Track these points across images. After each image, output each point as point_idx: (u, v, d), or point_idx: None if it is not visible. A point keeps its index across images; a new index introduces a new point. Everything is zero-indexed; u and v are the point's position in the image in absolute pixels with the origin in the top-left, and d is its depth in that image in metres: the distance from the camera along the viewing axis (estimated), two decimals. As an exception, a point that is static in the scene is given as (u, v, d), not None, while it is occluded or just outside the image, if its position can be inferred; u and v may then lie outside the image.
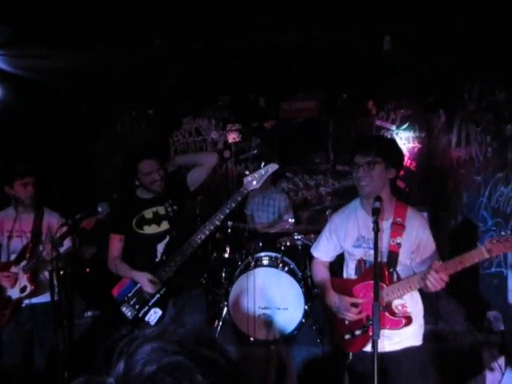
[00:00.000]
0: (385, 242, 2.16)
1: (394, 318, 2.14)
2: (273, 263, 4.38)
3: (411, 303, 2.24)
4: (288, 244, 4.69)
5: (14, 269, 3.04)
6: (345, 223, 2.35)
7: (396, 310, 2.17)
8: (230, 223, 4.78)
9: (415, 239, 2.17)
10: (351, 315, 2.20)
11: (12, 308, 3.04)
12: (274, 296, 4.20)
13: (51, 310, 2.66)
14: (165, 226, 2.85)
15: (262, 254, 4.49)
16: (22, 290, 3.05)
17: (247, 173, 2.74)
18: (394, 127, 6.31)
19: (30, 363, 3.08)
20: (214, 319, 4.31)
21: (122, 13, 3.21)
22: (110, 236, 2.91)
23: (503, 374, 3.47)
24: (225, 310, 4.31)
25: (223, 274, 4.75)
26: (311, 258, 2.60)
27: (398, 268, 2.18)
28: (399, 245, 2.14)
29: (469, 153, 4.82)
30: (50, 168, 3.27)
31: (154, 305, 2.77)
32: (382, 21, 3.39)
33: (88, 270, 4.79)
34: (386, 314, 2.13)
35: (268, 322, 4.17)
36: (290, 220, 4.85)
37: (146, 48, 3.92)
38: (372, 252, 2.12)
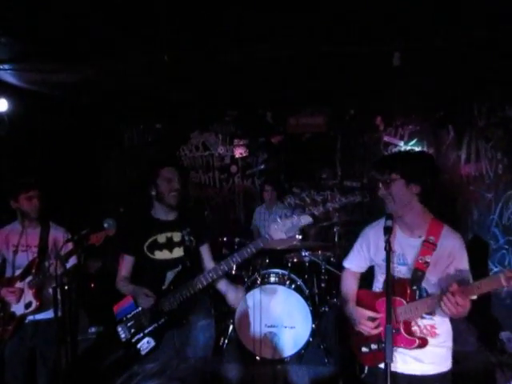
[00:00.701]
0: (413, 259, 2.11)
1: (408, 337, 2.07)
2: (280, 280, 4.32)
3: (441, 324, 2.15)
4: (295, 260, 4.63)
5: (19, 284, 3.00)
6: (376, 237, 2.29)
7: (416, 328, 2.11)
8: (236, 239, 4.74)
9: (447, 259, 2.08)
10: (366, 329, 2.16)
11: (15, 324, 2.99)
12: (280, 314, 4.12)
13: (55, 326, 2.61)
14: (177, 253, 2.69)
15: (269, 270, 4.43)
16: (27, 305, 3.00)
17: (278, 220, 2.50)
18: (402, 143, 6.27)
19: (33, 380, 3.03)
20: (219, 337, 4.23)
21: (130, 28, 3.23)
22: (120, 255, 2.79)
23: (517, 397, 3.37)
24: (230, 327, 4.24)
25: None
26: (342, 268, 2.54)
27: (425, 286, 2.11)
28: (427, 264, 2.07)
29: (479, 169, 4.76)
30: (56, 181, 3.24)
31: (150, 334, 2.57)
32: (392, 36, 3.38)
33: (93, 285, 4.74)
34: (403, 332, 2.07)
35: (274, 341, 4.09)
36: (297, 236, 4.79)
37: (155, 63, 3.93)
38: (400, 268, 2.12)
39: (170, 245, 2.69)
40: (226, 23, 3.14)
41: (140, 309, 2.62)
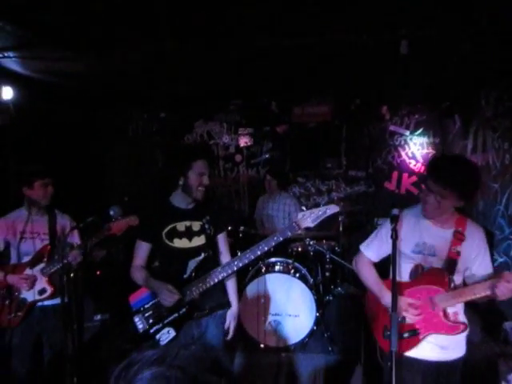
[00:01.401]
0: (446, 249, 2.21)
1: (452, 324, 2.17)
2: (284, 269, 4.33)
3: (462, 312, 2.28)
4: (300, 250, 4.64)
5: (28, 271, 3.02)
6: (405, 227, 2.32)
7: (452, 317, 2.21)
8: (241, 228, 4.75)
9: (475, 250, 2.21)
10: (410, 316, 2.20)
11: (26, 310, 3.01)
12: (285, 302, 4.14)
13: (61, 313, 2.63)
14: (196, 242, 2.63)
15: (274, 259, 4.45)
16: (41, 292, 3.01)
17: (304, 209, 2.50)
18: (407, 132, 6.24)
19: (40, 365, 3.06)
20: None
21: (135, 17, 3.20)
22: (137, 242, 2.70)
23: (520, 387, 3.38)
24: (235, 315, 4.26)
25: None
26: (359, 253, 2.51)
27: (454, 276, 2.22)
28: (458, 253, 2.18)
29: (485, 159, 4.73)
30: (60, 170, 3.24)
31: (169, 324, 2.55)
32: (399, 25, 3.34)
33: (98, 273, 4.77)
34: (443, 319, 2.17)
35: (278, 330, 4.12)
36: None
37: (159, 51, 3.91)
38: (431, 259, 2.22)
39: (189, 234, 2.63)
40: (231, 12, 3.11)
41: (159, 298, 2.54)
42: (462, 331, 2.17)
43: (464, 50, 3.76)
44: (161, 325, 2.54)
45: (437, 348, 2.24)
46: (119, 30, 3.44)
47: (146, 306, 2.60)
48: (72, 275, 2.89)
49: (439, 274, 2.18)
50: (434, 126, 6.18)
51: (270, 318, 4.14)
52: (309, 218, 2.47)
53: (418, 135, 6.21)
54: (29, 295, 3.01)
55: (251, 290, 4.14)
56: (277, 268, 4.35)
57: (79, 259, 2.91)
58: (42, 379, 3.06)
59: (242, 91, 6.15)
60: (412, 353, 2.24)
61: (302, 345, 4.11)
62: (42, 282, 3.00)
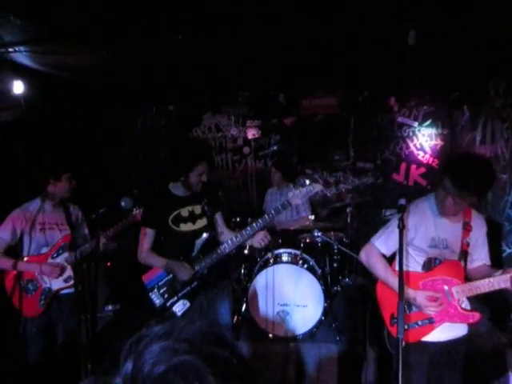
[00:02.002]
0: (457, 241, 2.28)
1: (466, 313, 2.25)
2: (292, 260, 4.36)
3: (466, 300, 2.34)
4: (308, 241, 4.66)
5: (50, 261, 3.09)
6: (419, 222, 2.34)
7: (465, 306, 2.30)
8: (249, 220, 4.78)
9: (478, 237, 2.32)
10: (434, 309, 2.26)
11: (50, 299, 3.08)
12: (293, 293, 4.18)
13: (75, 301, 2.69)
14: (200, 223, 2.95)
15: (282, 250, 4.48)
16: (66, 280, 3.09)
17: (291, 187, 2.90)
18: (416, 124, 6.21)
19: (55, 354, 3.12)
20: (232, 315, 4.31)
21: (143, 10, 3.23)
22: (142, 229, 2.95)
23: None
24: (244, 306, 4.31)
25: (242, 270, 4.76)
26: (368, 246, 2.52)
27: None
28: (468, 244, 2.27)
29: (494, 150, 4.72)
30: (71, 163, 3.29)
31: (184, 297, 2.89)
32: (407, 16, 3.33)
33: (109, 264, 4.84)
34: (459, 309, 2.24)
35: (286, 320, 4.17)
36: (309, 217, 4.82)
37: (168, 44, 3.93)
38: (444, 251, 2.28)
39: (192, 217, 2.94)
40: (240, 4, 3.13)
41: (172, 275, 2.89)
42: (478, 320, 2.24)
43: (472, 41, 3.74)
44: (176, 298, 2.89)
45: (444, 329, 2.31)
46: (128, 23, 3.47)
47: (160, 284, 2.92)
48: (85, 265, 2.96)
49: (456, 265, 2.25)
50: (442, 118, 6.14)
51: (279, 309, 4.19)
52: (298, 196, 2.85)
53: (426, 126, 6.18)
54: (54, 284, 3.09)
55: (259, 280, 4.18)
56: (285, 259, 4.38)
57: (113, 246, 3.07)
58: (56, 367, 3.13)
59: (249, 83, 6.16)
60: (428, 337, 2.31)
61: (310, 335, 4.15)
62: (68, 271, 3.08)
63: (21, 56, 4.18)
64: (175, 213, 2.90)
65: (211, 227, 2.99)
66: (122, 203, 2.92)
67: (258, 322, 4.16)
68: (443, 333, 2.32)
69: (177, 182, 2.90)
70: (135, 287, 4.90)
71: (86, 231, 3.34)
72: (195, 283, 2.89)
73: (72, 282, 3.05)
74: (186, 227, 2.92)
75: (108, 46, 3.99)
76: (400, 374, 1.73)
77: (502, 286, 2.13)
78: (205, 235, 2.91)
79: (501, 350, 3.63)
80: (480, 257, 2.37)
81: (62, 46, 3.97)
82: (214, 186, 3.19)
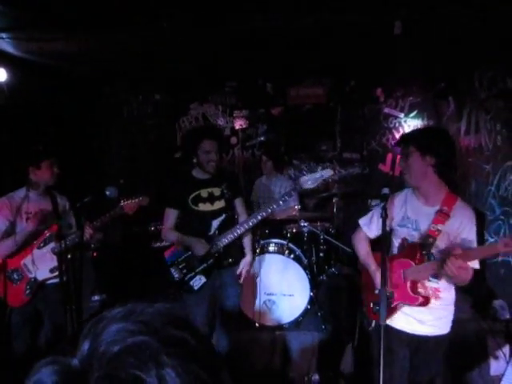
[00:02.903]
0: (426, 225, 2.28)
1: (412, 295, 2.26)
2: (279, 250, 4.39)
3: (445, 289, 2.33)
4: (294, 231, 4.69)
5: (36, 251, 3.06)
6: (395, 204, 2.44)
7: (421, 290, 2.29)
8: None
9: (457, 229, 2.24)
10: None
11: (36, 289, 3.05)
12: (279, 282, 4.22)
13: (61, 291, 2.67)
14: (218, 205, 3.15)
15: (268, 240, 4.50)
16: (52, 270, 3.06)
17: (305, 174, 3.20)
18: (402, 115, 6.25)
19: (40, 343, 3.11)
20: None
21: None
22: (166, 210, 3.19)
23: (508, 363, 3.48)
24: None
25: (230, 260, 4.76)
26: (357, 228, 2.66)
27: (435, 252, 2.27)
28: (439, 231, 2.23)
29: (478, 141, 4.78)
30: (56, 151, 3.25)
31: (200, 272, 3.10)
32: (393, 5, 3.34)
33: (95, 254, 4.82)
34: (409, 290, 2.27)
35: (273, 309, 4.20)
36: (296, 207, 4.84)
37: (154, 32, 3.89)
38: (413, 233, 2.31)
39: (211, 198, 3.14)
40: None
41: (190, 252, 3.10)
42: (421, 304, 2.25)
43: (457, 32, 3.76)
44: (193, 273, 3.11)
45: (414, 321, 2.33)
46: (114, 9, 3.42)
47: (180, 260, 3.15)
48: (69, 256, 2.94)
49: (414, 248, 2.28)
50: (428, 109, 6.19)
51: (265, 298, 4.22)
52: (309, 181, 2.97)
53: (412, 117, 6.22)
54: (39, 274, 3.06)
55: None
56: (271, 249, 4.41)
57: (99, 236, 3.05)
58: (42, 357, 3.11)
59: (237, 73, 6.13)
60: (393, 323, 2.34)
61: (296, 323, 4.19)
62: (54, 261, 3.04)
63: (3, 43, 4.10)
64: (195, 193, 3.12)
65: (229, 210, 3.18)
66: (107, 192, 2.90)
67: (244, 310, 4.19)
68: (410, 324, 2.34)
69: (196, 167, 3.11)
70: (121, 278, 4.91)
71: (73, 221, 3.31)
72: (211, 260, 3.09)
73: (58, 273, 3.03)
74: (204, 207, 3.12)
75: (93, 33, 3.93)
76: (382, 358, 1.77)
77: (435, 270, 2.17)
78: (223, 216, 3.11)
79: (482, 336, 3.71)
80: (465, 242, 2.25)
81: (46, 33, 3.90)
82: (234, 174, 3.61)
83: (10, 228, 3.03)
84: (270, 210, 3.10)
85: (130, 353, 0.55)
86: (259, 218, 3.08)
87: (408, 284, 2.27)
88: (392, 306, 2.28)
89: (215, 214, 3.12)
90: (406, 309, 2.32)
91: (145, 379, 0.53)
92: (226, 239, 3.10)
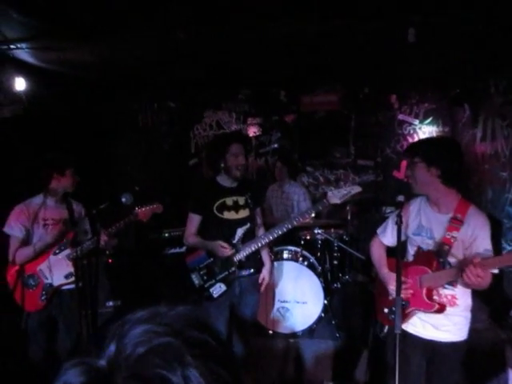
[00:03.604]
0: (440, 233, 2.28)
1: (428, 302, 2.25)
2: (293, 257, 4.38)
3: (461, 296, 2.32)
4: (308, 238, 4.68)
5: (52, 257, 3.09)
6: (410, 212, 2.45)
7: (436, 297, 2.28)
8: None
9: (471, 236, 2.23)
10: (393, 288, 2.30)
11: (51, 294, 3.09)
12: (293, 290, 4.20)
13: (76, 297, 2.70)
14: (242, 213, 3.14)
15: (282, 247, 4.49)
16: (67, 276, 3.09)
17: (331, 188, 3.09)
18: (416, 121, 6.20)
19: (56, 349, 3.14)
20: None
21: (145, 6, 3.23)
22: (189, 215, 3.17)
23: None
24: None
25: (251, 269, 4.76)
26: (374, 236, 2.69)
27: (450, 260, 2.27)
28: (454, 238, 2.23)
29: (494, 147, 4.72)
30: (74, 159, 3.30)
31: (221, 280, 3.07)
32: (407, 12, 3.33)
33: (110, 261, 4.86)
34: (424, 296, 2.26)
35: (286, 316, 4.18)
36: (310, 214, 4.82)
37: (169, 41, 3.94)
38: (428, 241, 2.31)
39: (236, 207, 3.13)
40: (240, 1, 3.14)
41: (212, 259, 3.09)
42: (437, 311, 2.24)
43: (473, 38, 3.74)
44: (213, 281, 3.08)
45: (430, 327, 2.32)
46: (129, 19, 3.48)
47: (201, 266, 3.12)
48: (85, 262, 2.97)
49: (429, 256, 2.28)
50: (443, 115, 6.13)
51: (279, 305, 4.21)
52: (337, 196, 2.94)
53: (427, 124, 6.17)
54: (55, 279, 3.09)
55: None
56: (285, 256, 4.40)
57: (113, 243, 3.07)
58: (58, 363, 3.14)
59: (250, 81, 6.16)
60: (409, 328, 2.34)
61: (310, 331, 4.17)
62: (69, 267, 3.07)
63: (22, 53, 4.19)
64: (220, 201, 3.10)
65: (252, 219, 3.16)
66: (123, 199, 2.94)
67: (258, 318, 4.17)
68: (427, 329, 2.33)
69: (221, 172, 3.09)
70: (136, 284, 4.93)
71: (88, 227, 3.35)
72: (233, 269, 3.06)
73: (73, 279, 3.07)
74: (229, 215, 3.10)
75: (109, 42, 4.00)
76: (397, 366, 1.75)
77: (454, 278, 2.17)
78: (248, 225, 3.09)
79: (500, 346, 3.64)
80: (480, 249, 2.23)
81: (64, 42, 3.98)
82: (258, 183, 3.60)
83: (27, 235, 3.07)
84: (295, 222, 3.08)
85: (156, 353, 0.57)
86: (284, 229, 3.07)
87: (423, 291, 2.26)
88: (406, 312, 2.28)
89: (240, 223, 3.11)
90: (421, 314, 2.32)
91: (171, 379, 0.55)
92: (249, 248, 3.08)
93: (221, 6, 3.25)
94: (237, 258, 3.07)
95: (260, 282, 3.25)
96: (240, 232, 3.09)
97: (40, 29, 3.61)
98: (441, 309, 2.24)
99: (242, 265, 3.10)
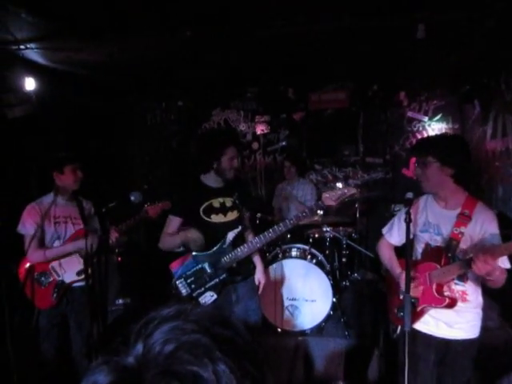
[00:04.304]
0: (449, 229, 2.27)
1: (438, 297, 2.24)
2: (301, 255, 4.38)
3: (472, 293, 2.31)
4: (316, 236, 4.67)
5: None
6: (416, 210, 2.43)
7: (448, 292, 2.27)
8: (258, 215, 4.80)
9: (479, 231, 2.23)
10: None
11: (63, 292, 3.12)
12: (301, 288, 4.20)
13: (87, 294, 2.73)
14: (231, 216, 2.94)
15: (290, 245, 4.49)
16: (79, 273, 3.12)
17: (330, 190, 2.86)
18: (426, 119, 6.16)
19: (67, 346, 3.17)
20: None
21: (153, 5, 3.25)
22: (169, 217, 2.94)
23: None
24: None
25: (251, 265, 4.77)
26: (381, 237, 2.68)
27: (459, 255, 2.26)
28: (462, 234, 2.23)
29: (505, 144, 4.68)
30: (81, 158, 3.33)
31: (211, 288, 2.86)
32: (416, 8, 3.31)
33: (120, 259, 4.90)
34: (434, 292, 2.25)
35: (295, 314, 4.18)
36: (318, 212, 4.81)
37: (177, 39, 3.95)
38: (436, 237, 2.30)
39: (223, 209, 2.93)
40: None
41: (200, 266, 2.86)
42: (447, 306, 2.23)
43: (482, 34, 3.70)
44: (203, 289, 2.86)
45: (443, 325, 2.31)
46: (137, 19, 3.49)
47: (188, 273, 2.88)
48: (95, 259, 2.99)
49: (438, 252, 2.27)
50: (453, 112, 6.09)
51: (287, 303, 4.21)
52: (333, 198, 2.80)
53: (436, 121, 6.13)
54: (67, 277, 3.12)
55: (268, 275, 4.20)
56: (294, 254, 4.40)
57: (123, 240, 3.07)
58: (69, 359, 3.17)
59: (258, 78, 6.16)
60: (421, 327, 2.33)
61: (319, 329, 4.16)
62: (80, 264, 3.09)
63: (32, 53, 4.23)
64: (207, 203, 2.90)
65: (241, 221, 2.95)
66: (132, 197, 2.96)
67: (266, 316, 4.18)
68: (440, 328, 2.32)
69: (210, 172, 2.90)
70: (145, 282, 4.96)
71: (97, 225, 3.38)
72: (223, 275, 2.85)
73: (84, 276, 3.09)
74: (217, 218, 2.90)
75: (118, 42, 4.02)
76: (407, 365, 1.74)
77: (463, 270, 2.15)
78: (238, 228, 2.89)
79: (510, 345, 3.61)
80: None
81: (73, 43, 4.01)
82: (244, 182, 3.25)
83: (40, 231, 3.10)
84: (289, 225, 2.84)
85: (186, 350, 0.58)
86: (278, 232, 2.84)
87: (433, 286, 2.26)
88: (418, 310, 2.27)
89: (230, 226, 2.89)
90: (433, 312, 2.30)
91: (202, 375, 0.55)
92: (241, 253, 2.85)
93: (229, 5, 3.25)
94: (228, 264, 2.86)
95: (257, 284, 3.13)
96: (231, 236, 2.86)
97: (49, 29, 3.64)
98: (451, 303, 2.23)
99: (233, 271, 2.89)
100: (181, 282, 2.89)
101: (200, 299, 2.85)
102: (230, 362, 0.58)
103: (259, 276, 3.16)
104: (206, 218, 2.88)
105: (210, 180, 2.94)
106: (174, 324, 0.61)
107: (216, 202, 2.92)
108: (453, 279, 2.26)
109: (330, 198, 2.80)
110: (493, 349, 3.60)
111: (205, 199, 2.90)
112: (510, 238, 2.15)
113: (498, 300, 4.29)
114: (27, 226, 3.06)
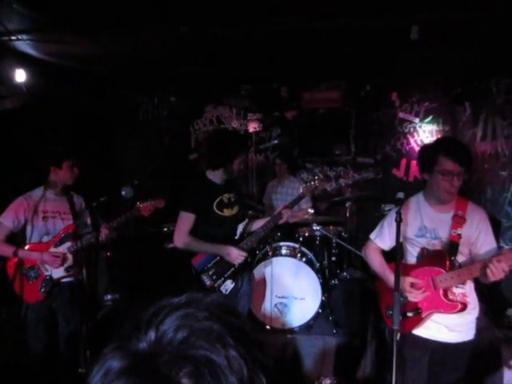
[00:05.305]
0: (446, 232, 2.29)
1: (449, 302, 2.25)
2: (291, 253, 4.39)
3: (471, 294, 2.35)
4: (306, 234, 4.68)
5: (52, 249, 3.10)
6: (407, 214, 2.41)
7: (453, 297, 2.28)
8: (249, 212, 4.80)
9: (475, 231, 2.27)
10: (414, 295, 2.28)
11: (51, 287, 3.09)
12: (291, 285, 4.21)
13: (76, 289, 2.71)
14: (236, 210, 3.21)
15: (281, 243, 4.50)
16: (67, 269, 3.11)
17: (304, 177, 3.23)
18: (417, 120, 6.19)
19: (55, 341, 3.15)
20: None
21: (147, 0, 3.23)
22: (182, 214, 3.04)
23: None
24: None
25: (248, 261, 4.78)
26: (368, 242, 2.65)
27: (458, 257, 2.29)
28: (460, 235, 2.25)
29: (494, 147, 4.73)
30: (73, 152, 3.30)
31: (229, 277, 3.10)
32: (410, 10, 3.33)
33: (109, 254, 4.87)
34: (442, 297, 2.25)
35: (284, 312, 4.19)
36: (309, 210, 4.83)
37: (170, 35, 3.93)
38: (434, 241, 2.30)
39: (231, 204, 3.17)
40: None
41: (219, 257, 3.08)
42: (460, 310, 2.23)
43: (474, 37, 3.73)
44: (222, 279, 3.09)
45: (444, 329, 2.32)
46: (131, 12, 3.46)
47: (209, 266, 3.09)
48: (85, 255, 2.98)
49: (440, 255, 2.27)
50: (443, 114, 6.13)
51: (276, 301, 4.22)
52: (309, 189, 3.37)
53: (427, 123, 6.16)
54: (55, 272, 3.10)
55: (258, 272, 4.21)
56: (284, 252, 4.41)
57: (113, 236, 3.06)
58: (57, 354, 3.15)
59: (251, 76, 6.15)
60: (421, 332, 2.32)
61: (307, 327, 4.18)
62: (70, 260, 3.09)
63: (23, 45, 4.18)
64: (218, 199, 3.10)
65: (243, 214, 3.30)
66: (123, 192, 2.95)
67: (255, 313, 4.19)
68: (441, 332, 2.32)
69: (219, 169, 3.10)
70: (134, 278, 4.94)
71: (88, 220, 3.36)
72: (238, 264, 3.09)
73: (73, 271, 3.08)
74: (228, 212, 3.13)
75: (111, 35, 3.98)
76: (394, 364, 1.76)
77: (477, 274, 2.15)
78: (245, 220, 3.22)
79: (496, 345, 3.65)
80: (483, 248, 2.30)
81: (65, 35, 3.97)
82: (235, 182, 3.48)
83: (20, 227, 3.08)
84: (284, 214, 3.20)
85: (199, 336, 0.59)
86: (276, 221, 3.22)
87: (441, 292, 2.25)
88: (423, 316, 2.27)
89: (239, 219, 3.21)
90: (435, 317, 2.30)
91: (215, 360, 0.57)
92: (250, 243, 3.17)
93: (224, 3, 3.23)
94: (251, 245, 3.19)
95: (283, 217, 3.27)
96: (240, 228, 3.17)
97: (41, 21, 3.60)
98: (464, 308, 2.24)
99: (246, 259, 3.18)
100: (204, 275, 3.08)
101: (221, 288, 3.08)
102: (241, 348, 0.60)
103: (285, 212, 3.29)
104: (220, 213, 3.09)
105: (216, 177, 3.14)
106: (186, 311, 0.63)
107: (225, 198, 3.14)
108: (459, 283, 2.27)
109: (307, 190, 3.34)
110: (478, 349, 3.63)
111: (215, 195, 3.10)
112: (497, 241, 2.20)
113: (484, 300, 4.34)
114: (7, 218, 3.03)
